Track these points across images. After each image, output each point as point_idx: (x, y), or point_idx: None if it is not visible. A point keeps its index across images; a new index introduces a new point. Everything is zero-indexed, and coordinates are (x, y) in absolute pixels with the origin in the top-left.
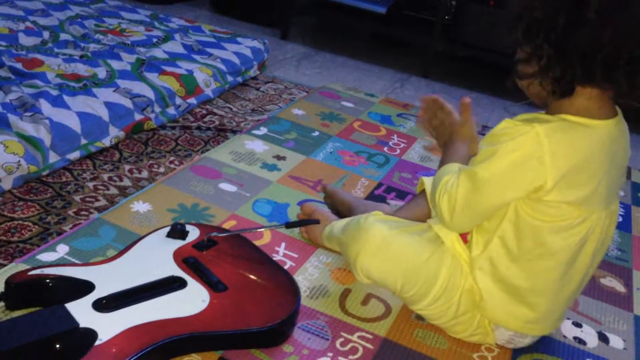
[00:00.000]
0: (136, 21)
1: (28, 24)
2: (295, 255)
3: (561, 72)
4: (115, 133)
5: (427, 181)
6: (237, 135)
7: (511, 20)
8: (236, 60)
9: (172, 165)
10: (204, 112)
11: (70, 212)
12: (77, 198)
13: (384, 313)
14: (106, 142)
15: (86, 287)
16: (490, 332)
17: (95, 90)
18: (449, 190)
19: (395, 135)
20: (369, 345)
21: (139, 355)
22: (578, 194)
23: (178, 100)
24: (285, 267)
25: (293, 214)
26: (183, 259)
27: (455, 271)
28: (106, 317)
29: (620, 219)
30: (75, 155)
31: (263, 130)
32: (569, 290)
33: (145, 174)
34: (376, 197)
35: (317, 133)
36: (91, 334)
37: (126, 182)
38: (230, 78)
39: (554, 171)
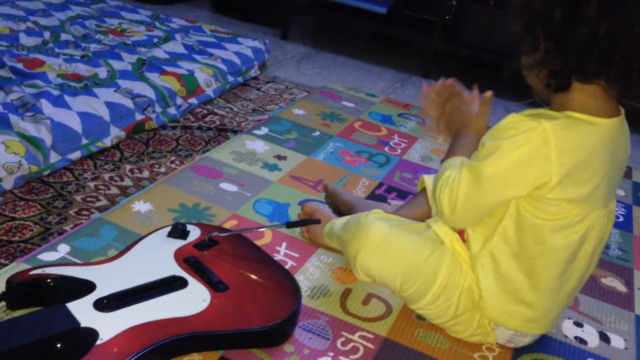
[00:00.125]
0: (137, 21)
1: (29, 24)
2: (296, 255)
3: (558, 66)
4: (116, 133)
5: (428, 179)
6: (238, 135)
7: (512, 13)
8: (237, 60)
9: (173, 165)
10: (205, 112)
11: (71, 212)
12: (78, 198)
13: (385, 313)
14: (107, 142)
15: (87, 287)
16: (491, 332)
17: (96, 90)
18: (450, 185)
19: (396, 135)
20: (369, 345)
21: (140, 354)
22: (579, 191)
23: (179, 100)
24: (286, 267)
25: (294, 214)
26: (184, 258)
27: (455, 270)
28: (107, 316)
29: (622, 219)
30: (76, 155)
31: (264, 130)
32: (568, 288)
33: (146, 173)
34: (377, 197)
35: (317, 133)
36: (92, 334)
37: (127, 182)
38: (231, 78)
39: (558, 168)
